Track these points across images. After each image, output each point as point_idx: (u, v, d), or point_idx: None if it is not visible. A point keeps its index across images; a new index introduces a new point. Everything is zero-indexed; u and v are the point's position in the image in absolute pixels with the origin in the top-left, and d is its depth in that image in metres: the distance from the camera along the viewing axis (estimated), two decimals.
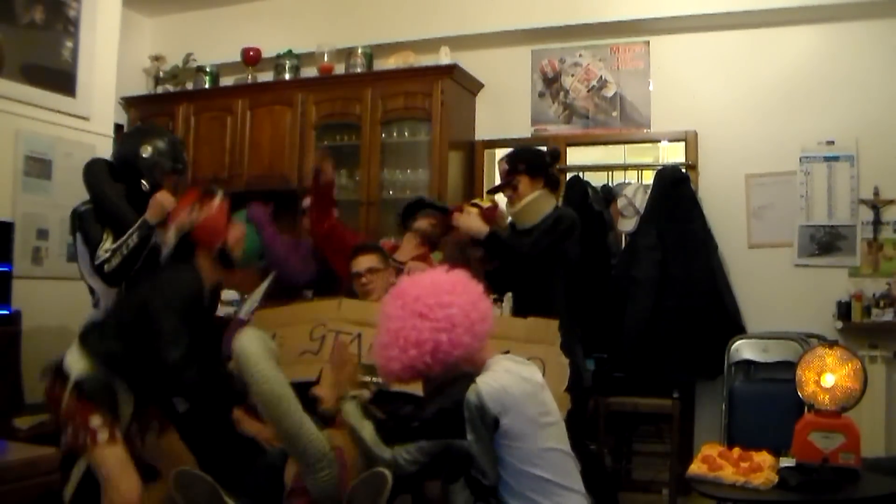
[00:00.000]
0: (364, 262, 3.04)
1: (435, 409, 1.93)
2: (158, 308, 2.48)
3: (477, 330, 1.97)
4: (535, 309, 2.90)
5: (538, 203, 3.26)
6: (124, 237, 2.83)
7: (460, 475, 1.97)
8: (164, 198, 2.85)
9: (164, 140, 3.05)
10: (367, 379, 2.66)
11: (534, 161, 3.37)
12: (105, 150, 4.15)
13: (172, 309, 2.49)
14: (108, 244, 2.85)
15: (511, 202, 3.37)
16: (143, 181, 2.94)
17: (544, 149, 3.67)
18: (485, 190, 4.77)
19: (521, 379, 1.95)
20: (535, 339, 2.70)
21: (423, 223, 3.47)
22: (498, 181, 3.56)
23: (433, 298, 1.96)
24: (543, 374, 2.19)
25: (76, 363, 2.49)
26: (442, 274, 2.09)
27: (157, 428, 2.67)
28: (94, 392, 2.44)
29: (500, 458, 1.90)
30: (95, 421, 2.40)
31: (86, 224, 2.92)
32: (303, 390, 2.50)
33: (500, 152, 4.82)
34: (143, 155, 2.95)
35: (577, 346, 3.19)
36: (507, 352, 2.23)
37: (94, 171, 3.00)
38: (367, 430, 2.02)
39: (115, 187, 2.95)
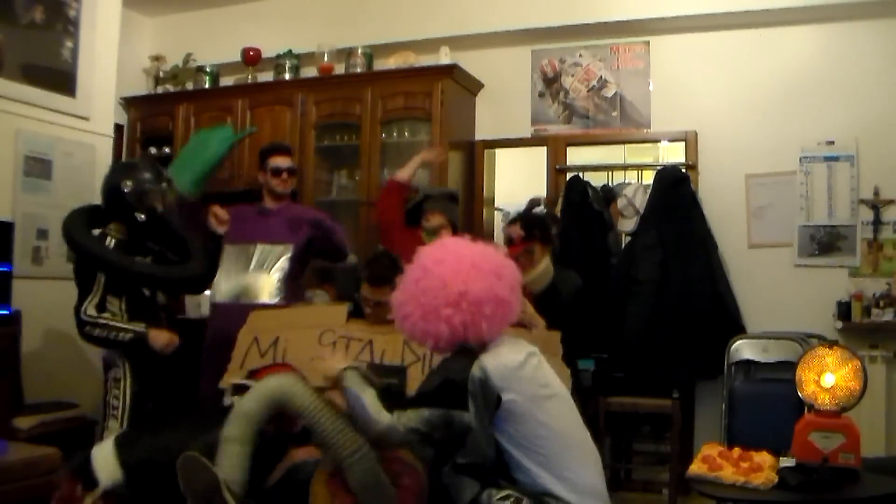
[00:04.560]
0: (378, 294, 2.91)
1: (438, 381, 1.94)
2: None
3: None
4: None
5: (548, 270, 3.31)
6: (120, 326, 2.85)
7: (453, 453, 1.99)
8: (160, 338, 2.86)
9: (139, 167, 3.12)
10: (394, 381, 2.67)
11: (545, 228, 3.42)
12: (105, 149, 4.16)
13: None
14: (95, 300, 2.87)
15: (524, 270, 3.18)
16: (137, 213, 3.00)
17: (543, 211, 3.73)
18: (484, 191, 4.79)
19: (524, 357, 2.01)
20: (540, 350, 2.73)
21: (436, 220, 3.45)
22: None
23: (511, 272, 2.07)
24: None
25: (108, 469, 2.30)
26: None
27: None
28: (124, 499, 2.30)
29: (505, 434, 1.93)
30: None
31: (77, 272, 2.97)
32: None
33: (501, 152, 4.84)
34: (126, 190, 2.99)
35: None
36: None
37: (70, 228, 3.01)
38: (368, 394, 2.00)
39: (93, 238, 2.99)
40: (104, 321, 2.84)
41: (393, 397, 2.05)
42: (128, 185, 2.99)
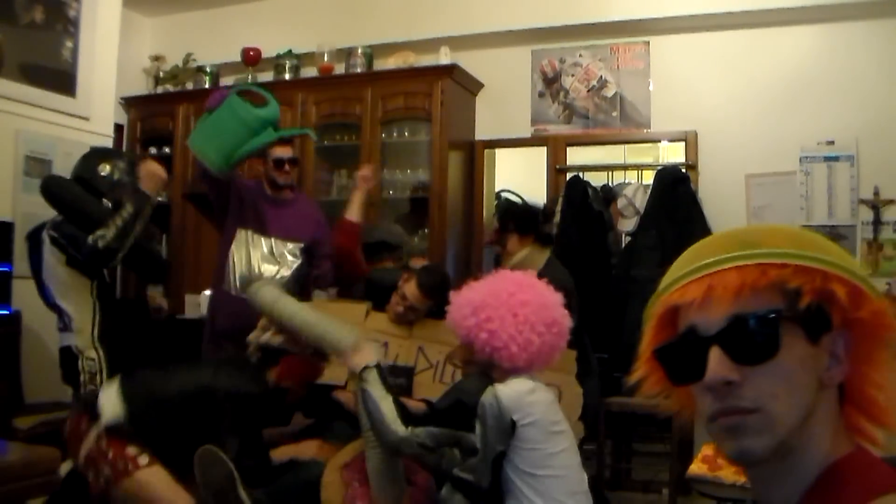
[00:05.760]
0: (420, 301, 2.90)
1: (451, 401, 2.01)
2: (232, 406, 2.39)
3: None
4: None
5: (529, 261, 3.20)
6: (119, 212, 2.80)
7: (451, 471, 2.02)
8: (155, 167, 2.86)
9: (123, 160, 3.11)
10: (401, 380, 2.75)
11: (524, 219, 3.33)
12: None
13: (247, 412, 2.43)
14: (99, 232, 2.80)
15: (502, 258, 3.36)
16: (105, 199, 2.96)
17: (540, 205, 3.64)
18: (484, 191, 4.79)
19: (537, 387, 2.02)
20: (554, 367, 2.72)
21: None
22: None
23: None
24: (560, 401, 2.29)
25: (112, 407, 2.33)
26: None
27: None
28: (126, 433, 2.32)
29: (511, 462, 1.94)
30: (132, 450, 2.29)
31: (63, 228, 2.90)
32: (326, 392, 2.59)
33: (501, 152, 4.84)
34: (102, 174, 2.96)
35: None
36: None
37: (58, 182, 2.99)
38: (386, 403, 2.04)
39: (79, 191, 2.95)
40: (110, 222, 2.81)
41: (407, 411, 2.09)
42: (105, 169, 2.97)
